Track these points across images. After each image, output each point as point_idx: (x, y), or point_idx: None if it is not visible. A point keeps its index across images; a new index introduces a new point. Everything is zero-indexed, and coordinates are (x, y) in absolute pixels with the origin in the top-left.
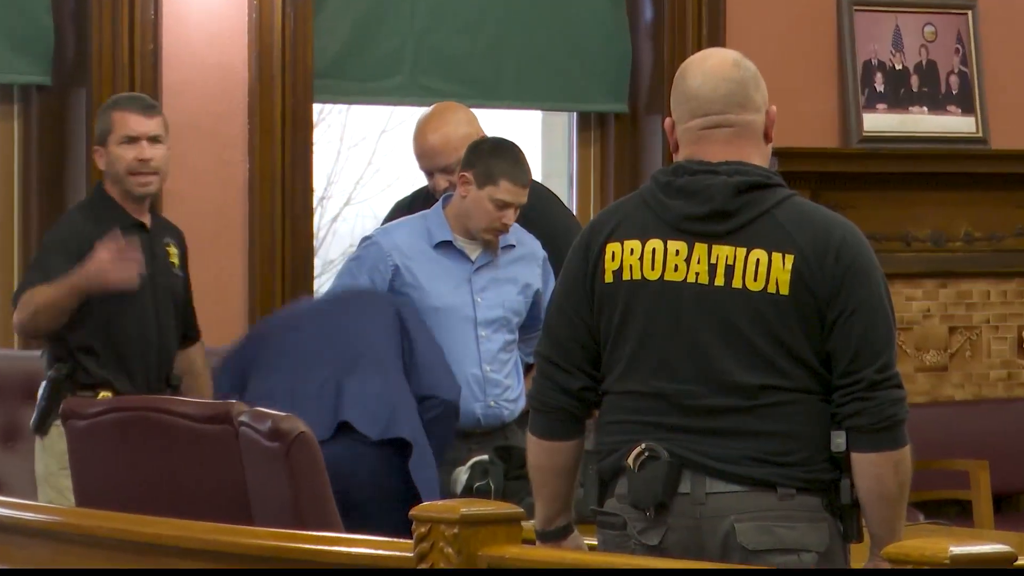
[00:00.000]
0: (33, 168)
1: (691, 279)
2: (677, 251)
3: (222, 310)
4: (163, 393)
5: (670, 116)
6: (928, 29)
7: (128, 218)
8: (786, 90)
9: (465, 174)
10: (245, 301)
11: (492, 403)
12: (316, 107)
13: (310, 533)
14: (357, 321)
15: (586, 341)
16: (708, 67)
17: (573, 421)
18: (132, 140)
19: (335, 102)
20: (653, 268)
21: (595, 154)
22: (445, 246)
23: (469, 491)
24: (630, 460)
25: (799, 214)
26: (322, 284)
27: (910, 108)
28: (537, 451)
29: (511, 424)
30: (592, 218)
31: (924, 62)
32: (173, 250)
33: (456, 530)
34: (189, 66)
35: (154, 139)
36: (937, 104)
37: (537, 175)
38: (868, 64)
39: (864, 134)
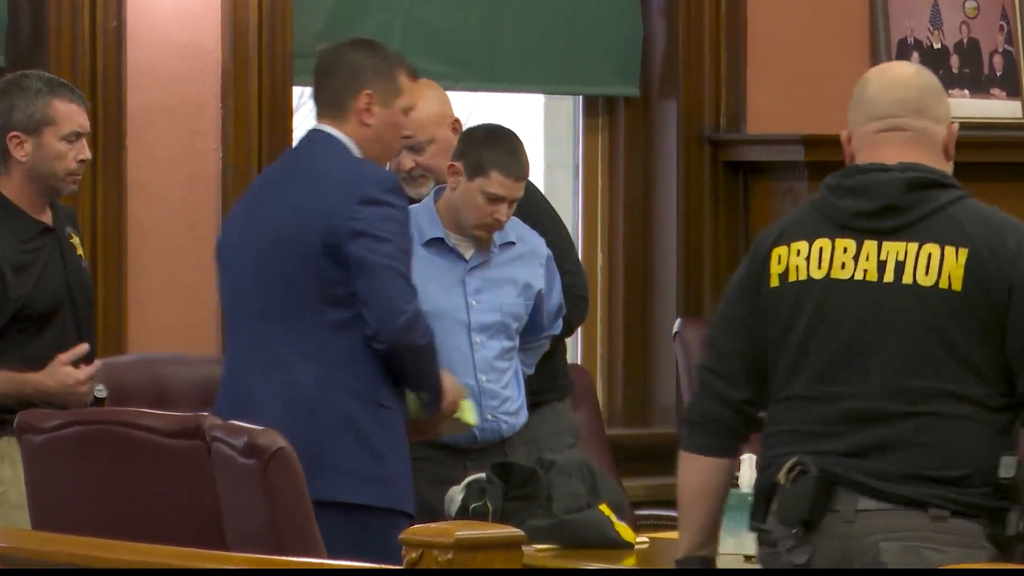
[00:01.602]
0: None
1: (858, 276)
2: (845, 249)
3: (191, 318)
4: None
5: (845, 129)
6: (969, 4)
7: (33, 224)
8: (813, 72)
9: (455, 164)
10: (217, 308)
11: (489, 416)
12: (297, 90)
13: (290, 559)
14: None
15: (750, 352)
16: (889, 74)
17: (731, 437)
18: (77, 138)
19: None
20: (820, 267)
21: (603, 141)
22: (436, 244)
23: (465, 512)
24: (781, 475)
25: (975, 212)
26: None
27: (950, 91)
28: (689, 468)
29: (511, 439)
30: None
31: (965, 40)
32: (76, 239)
33: (450, 555)
34: (156, 45)
35: (86, 137)
36: (979, 87)
37: (539, 165)
38: (903, 43)
39: None
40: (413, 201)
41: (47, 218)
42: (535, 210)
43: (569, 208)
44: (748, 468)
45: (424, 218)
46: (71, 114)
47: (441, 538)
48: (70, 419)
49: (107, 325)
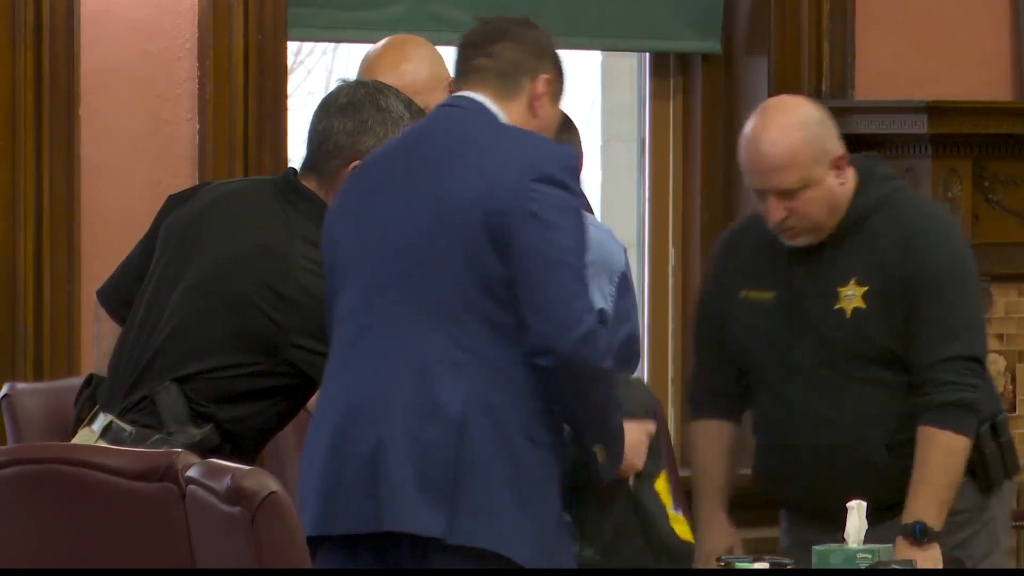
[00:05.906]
0: None
1: None
2: None
3: None
4: None
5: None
6: None
7: None
8: (942, 26)
9: None
10: None
11: None
12: (291, 46)
13: None
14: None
15: None
16: None
17: None
18: None
19: (317, 39)
20: None
21: (676, 109)
22: None
23: None
24: None
25: None
26: None
27: None
28: None
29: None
30: None
31: None
32: None
33: None
34: None
35: None
36: None
37: (596, 139)
38: None
39: None
40: None
41: None
42: None
43: (633, 192)
44: (857, 517)
45: None
46: None
47: None
48: (10, 457)
49: (55, 340)
